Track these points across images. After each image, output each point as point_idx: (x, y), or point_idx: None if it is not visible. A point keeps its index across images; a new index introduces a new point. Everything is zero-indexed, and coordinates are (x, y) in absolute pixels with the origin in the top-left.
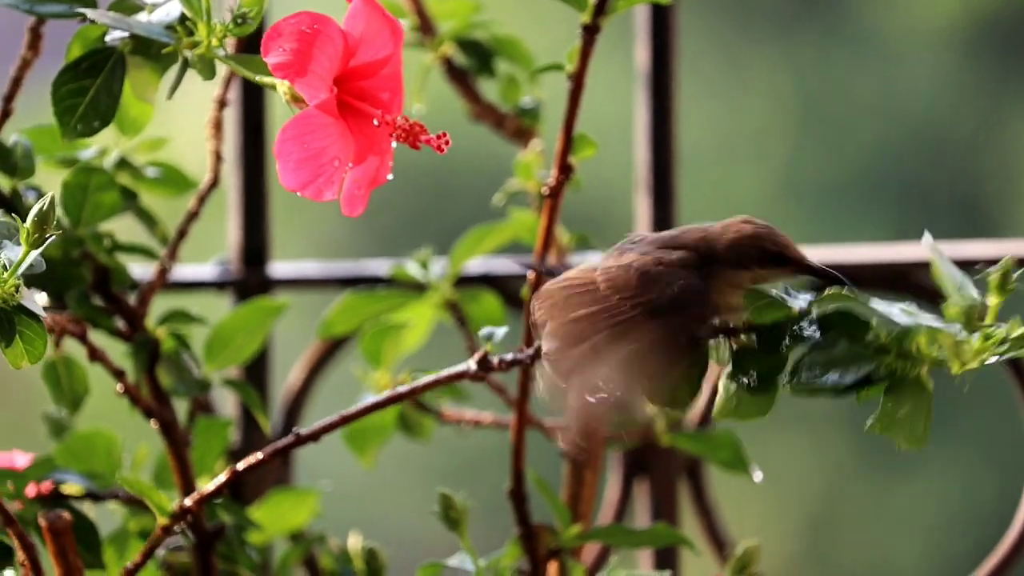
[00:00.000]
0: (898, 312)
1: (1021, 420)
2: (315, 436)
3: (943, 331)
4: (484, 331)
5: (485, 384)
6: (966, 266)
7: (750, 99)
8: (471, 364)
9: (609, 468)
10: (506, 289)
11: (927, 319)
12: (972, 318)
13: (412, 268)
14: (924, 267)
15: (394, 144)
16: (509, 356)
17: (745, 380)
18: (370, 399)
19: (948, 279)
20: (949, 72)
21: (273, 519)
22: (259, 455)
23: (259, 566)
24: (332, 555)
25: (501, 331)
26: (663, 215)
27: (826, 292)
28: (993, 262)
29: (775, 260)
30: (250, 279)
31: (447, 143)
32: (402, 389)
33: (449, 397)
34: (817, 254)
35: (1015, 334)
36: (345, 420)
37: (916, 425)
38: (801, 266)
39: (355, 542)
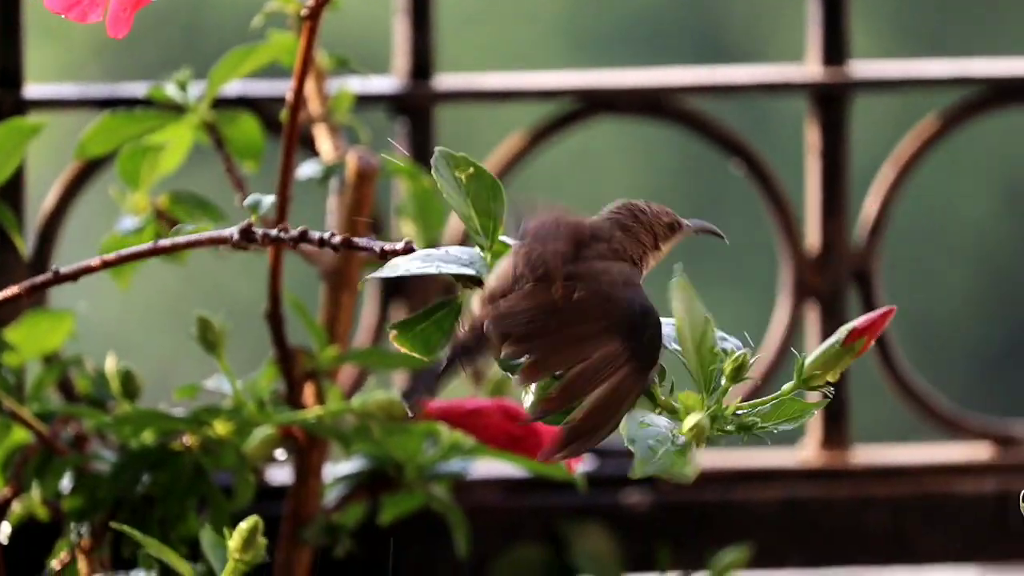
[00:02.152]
0: None
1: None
2: (74, 276)
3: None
4: (250, 199)
5: (242, 207)
6: (727, 91)
7: None
8: (234, 233)
9: (366, 291)
10: (265, 112)
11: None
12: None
13: (170, 90)
14: (684, 92)
15: None
16: (273, 233)
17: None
18: (132, 249)
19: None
20: None
21: (28, 341)
22: (16, 290)
23: (14, 388)
24: (88, 377)
25: (268, 200)
26: (422, 41)
27: None
28: (743, 87)
29: (673, 228)
30: (4, 100)
31: None
32: (163, 243)
33: (207, 219)
34: (575, 79)
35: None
36: (106, 264)
37: None
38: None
39: (111, 364)
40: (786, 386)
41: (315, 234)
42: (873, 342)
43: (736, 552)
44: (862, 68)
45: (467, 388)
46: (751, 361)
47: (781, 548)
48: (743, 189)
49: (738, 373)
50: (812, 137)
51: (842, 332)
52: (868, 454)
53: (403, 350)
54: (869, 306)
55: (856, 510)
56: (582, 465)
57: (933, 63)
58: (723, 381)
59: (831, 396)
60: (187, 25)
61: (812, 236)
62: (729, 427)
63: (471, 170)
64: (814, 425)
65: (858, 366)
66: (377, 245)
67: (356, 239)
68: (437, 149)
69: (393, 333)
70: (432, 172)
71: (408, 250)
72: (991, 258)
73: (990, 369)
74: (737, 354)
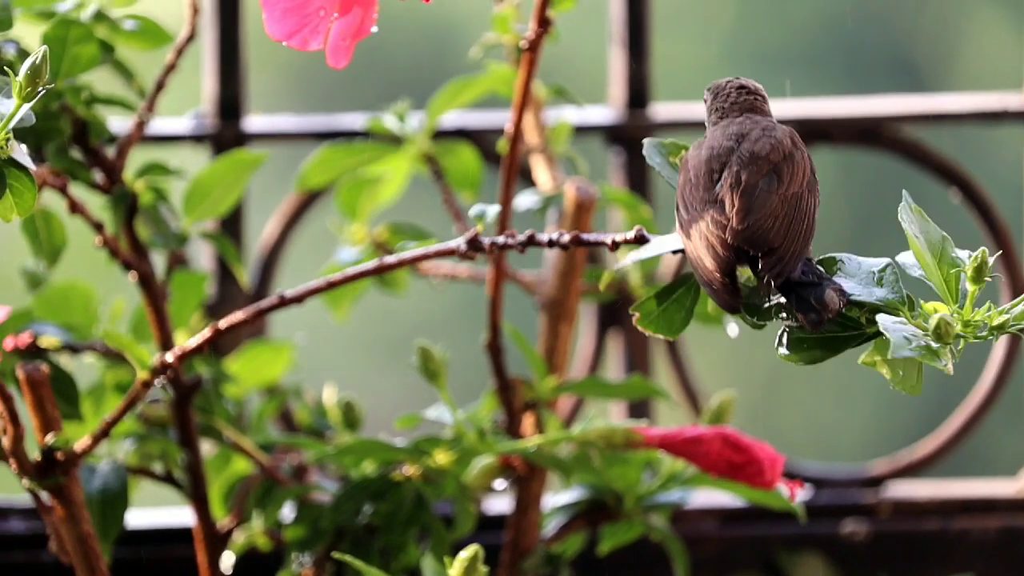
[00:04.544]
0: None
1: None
2: (300, 299)
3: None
4: (475, 209)
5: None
6: (943, 120)
7: None
8: (461, 243)
9: (583, 321)
10: (483, 143)
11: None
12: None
13: (389, 121)
14: (899, 121)
15: None
16: (501, 239)
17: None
18: (357, 268)
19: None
20: None
21: (249, 372)
22: (242, 315)
23: (236, 419)
24: (308, 408)
25: (493, 210)
26: (638, 72)
27: None
28: (960, 116)
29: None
30: (226, 132)
31: None
32: (389, 260)
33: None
34: (788, 108)
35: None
36: (331, 285)
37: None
38: None
39: (331, 394)
40: None
41: (543, 237)
42: None
43: None
44: None
45: (687, 416)
46: (989, 260)
47: None
48: (959, 218)
49: (979, 274)
50: None
51: None
52: None
53: (647, 333)
54: None
55: None
56: (800, 495)
57: None
58: (968, 286)
59: None
60: (403, 56)
61: None
62: (982, 332)
63: (683, 153)
64: None
65: None
66: (608, 237)
67: (585, 234)
68: (646, 141)
69: (636, 316)
70: (646, 159)
71: (640, 237)
72: None
73: None
74: (975, 254)
